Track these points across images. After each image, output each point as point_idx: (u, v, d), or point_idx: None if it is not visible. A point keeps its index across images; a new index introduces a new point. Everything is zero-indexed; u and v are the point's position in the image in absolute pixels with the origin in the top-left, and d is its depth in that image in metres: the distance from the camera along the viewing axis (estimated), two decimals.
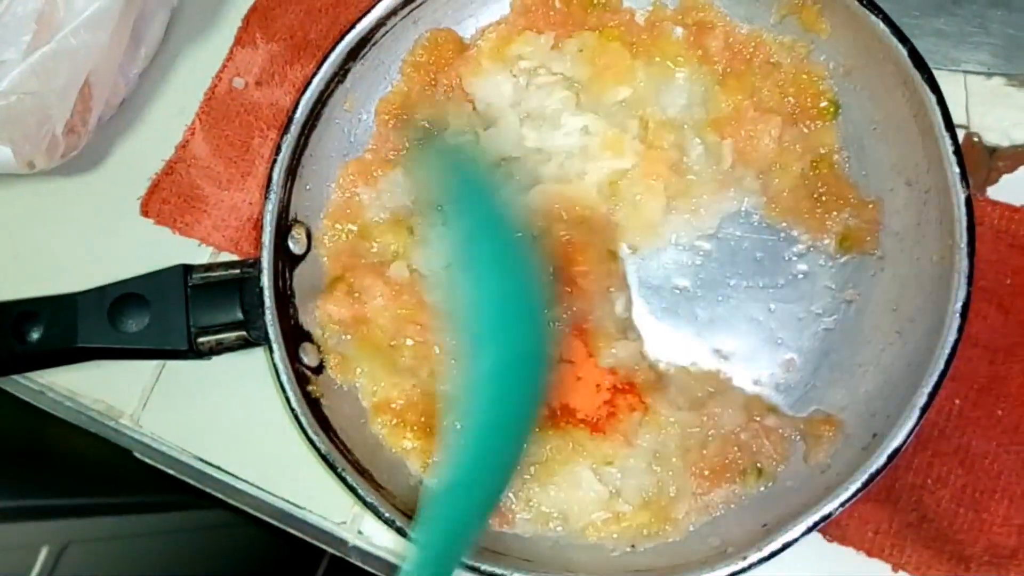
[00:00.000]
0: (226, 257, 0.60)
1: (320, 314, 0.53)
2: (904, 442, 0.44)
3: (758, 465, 0.48)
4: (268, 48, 0.63)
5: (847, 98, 0.53)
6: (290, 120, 0.52)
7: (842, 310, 0.53)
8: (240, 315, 0.51)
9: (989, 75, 0.58)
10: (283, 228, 0.53)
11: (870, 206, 0.52)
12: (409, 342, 0.51)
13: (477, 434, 0.39)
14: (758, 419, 0.49)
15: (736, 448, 0.49)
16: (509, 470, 0.41)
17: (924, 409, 0.45)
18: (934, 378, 0.45)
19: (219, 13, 0.65)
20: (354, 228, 0.55)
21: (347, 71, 0.54)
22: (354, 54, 0.54)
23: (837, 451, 0.48)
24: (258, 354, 0.55)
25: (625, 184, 0.53)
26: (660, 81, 0.54)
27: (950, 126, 0.47)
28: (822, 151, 0.53)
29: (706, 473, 0.49)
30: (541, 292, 0.43)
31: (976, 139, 0.56)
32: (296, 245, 0.54)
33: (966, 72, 0.58)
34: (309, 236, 0.55)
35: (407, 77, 0.56)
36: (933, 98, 0.47)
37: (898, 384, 0.47)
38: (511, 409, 0.40)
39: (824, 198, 0.53)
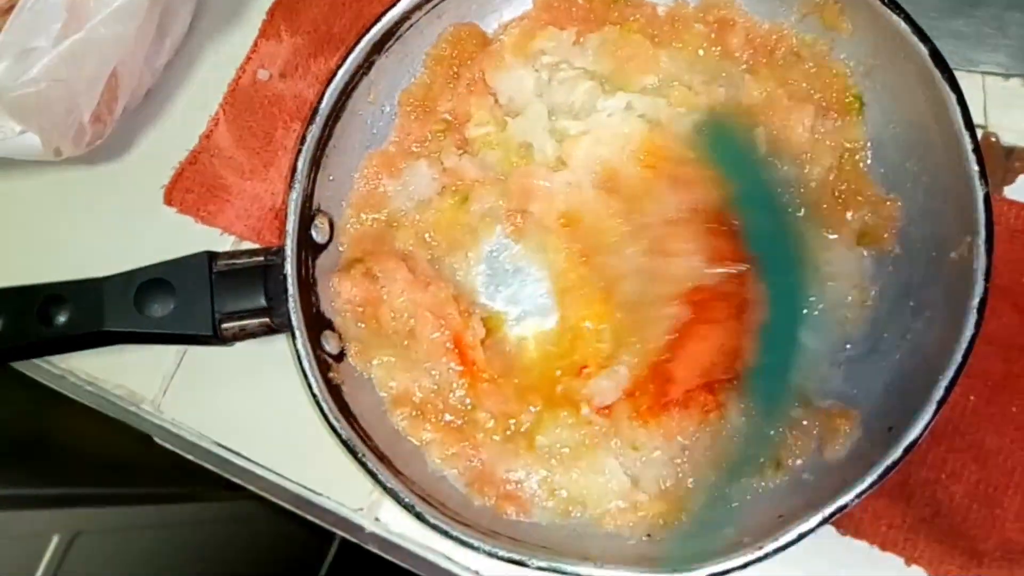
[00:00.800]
0: (248, 246, 0.60)
1: (333, 291, 0.54)
2: (920, 435, 0.45)
3: (777, 459, 0.48)
4: (292, 41, 0.64)
5: (867, 96, 0.54)
6: (315, 111, 0.52)
7: (859, 306, 0.53)
8: (264, 302, 0.51)
9: (1007, 76, 0.58)
10: (306, 217, 0.54)
11: (888, 204, 0.52)
12: (430, 334, 0.52)
13: None
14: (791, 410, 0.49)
15: (759, 443, 0.49)
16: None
17: (940, 403, 0.45)
18: (951, 372, 0.45)
19: (244, 5, 0.65)
20: (380, 217, 0.55)
21: (371, 64, 0.54)
22: (379, 47, 0.54)
23: (853, 444, 0.48)
24: (278, 341, 0.56)
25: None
26: (687, 62, 0.54)
27: (970, 125, 0.47)
28: (848, 146, 0.53)
29: (727, 468, 0.49)
30: None
31: (994, 139, 0.57)
32: (319, 234, 0.54)
33: (984, 73, 0.58)
34: (332, 226, 0.56)
35: (430, 70, 0.57)
36: (953, 97, 0.48)
37: (915, 378, 0.47)
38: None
39: (844, 195, 0.53)
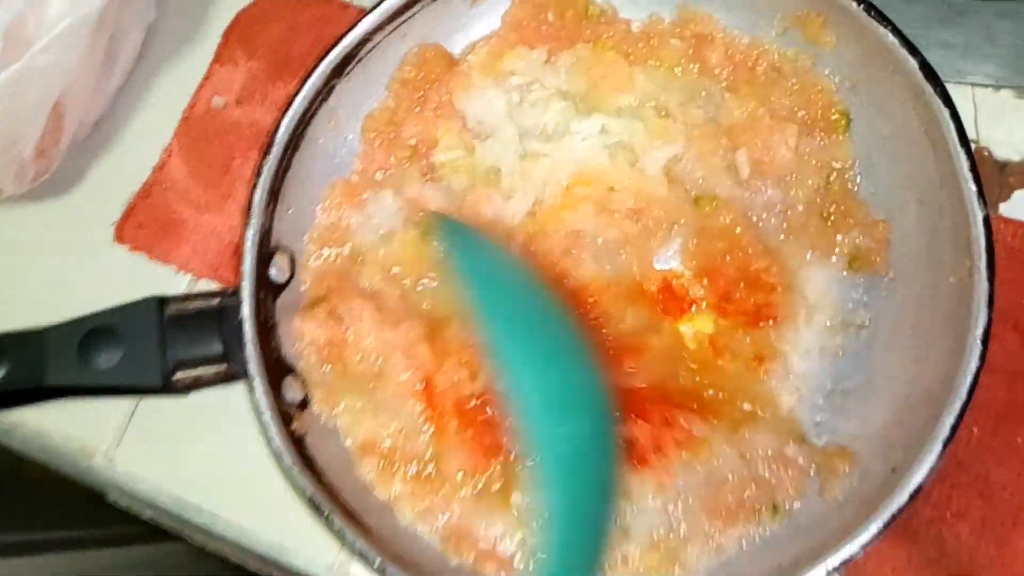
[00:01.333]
0: (205, 285, 0.57)
1: (295, 334, 0.50)
2: (926, 478, 0.42)
3: (774, 502, 0.46)
4: (249, 65, 0.61)
5: (854, 112, 0.51)
6: (271, 141, 0.49)
7: (853, 334, 0.50)
8: (219, 349, 0.47)
9: (997, 87, 0.56)
10: (265, 255, 0.50)
11: (880, 226, 0.50)
12: (399, 375, 0.48)
13: (564, 515, 0.38)
14: (784, 447, 0.47)
15: (754, 484, 0.46)
16: (601, 538, 0.41)
17: (946, 442, 0.42)
18: (956, 409, 0.42)
19: (198, 29, 0.62)
20: (343, 252, 0.52)
21: (332, 88, 0.51)
22: (339, 71, 0.51)
23: (854, 486, 0.46)
24: (240, 386, 0.52)
25: (681, 168, 0.51)
26: (663, 81, 0.52)
27: (965, 142, 0.45)
28: (836, 165, 0.50)
29: (722, 512, 0.46)
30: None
31: (987, 153, 0.54)
32: (279, 273, 0.50)
33: (973, 84, 0.56)
34: (292, 263, 0.53)
35: (394, 94, 0.53)
36: (946, 112, 0.45)
37: (917, 413, 0.45)
38: (591, 482, 0.40)
39: (833, 217, 0.50)
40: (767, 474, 0.47)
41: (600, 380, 0.42)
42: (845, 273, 0.51)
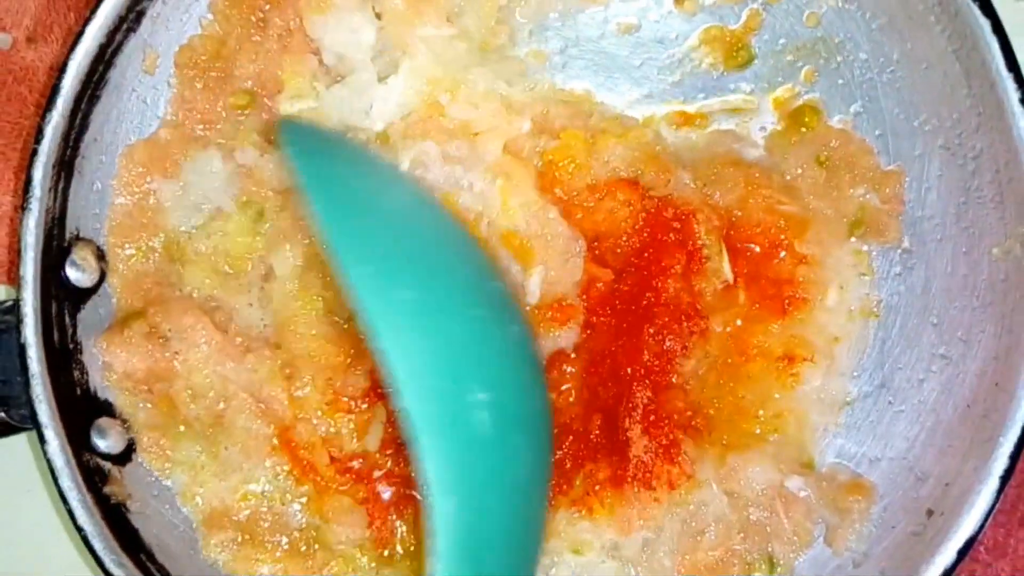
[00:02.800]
0: None
1: (101, 362, 0.39)
2: (981, 527, 0.33)
3: (770, 551, 0.37)
4: None
5: (845, 30, 0.41)
6: (55, 89, 0.38)
7: (858, 323, 0.40)
8: None
9: None
10: (57, 251, 0.39)
11: (891, 177, 0.40)
12: (243, 422, 0.35)
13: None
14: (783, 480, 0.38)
15: (741, 533, 0.37)
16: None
17: (1005, 477, 0.33)
18: (1015, 430, 0.33)
19: None
20: (155, 244, 0.39)
21: (141, 14, 0.40)
22: None
23: (874, 532, 0.36)
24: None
25: None
26: None
27: (1013, 64, 0.35)
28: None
29: (700, 570, 0.37)
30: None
31: None
32: (80, 273, 0.40)
33: None
34: (101, 258, 0.41)
35: (222, 15, 0.39)
36: (987, 24, 0.35)
37: (954, 434, 0.36)
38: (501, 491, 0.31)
39: (829, 166, 0.40)
40: (762, 516, 0.38)
41: (523, 343, 0.34)
42: (853, 241, 0.40)
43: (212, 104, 0.40)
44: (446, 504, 0.29)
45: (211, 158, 0.40)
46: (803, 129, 0.41)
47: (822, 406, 0.39)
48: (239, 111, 0.40)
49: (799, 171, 0.40)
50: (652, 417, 0.38)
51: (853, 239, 0.40)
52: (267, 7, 0.39)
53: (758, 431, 0.38)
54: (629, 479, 0.37)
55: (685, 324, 0.39)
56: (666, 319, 0.38)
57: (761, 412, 0.38)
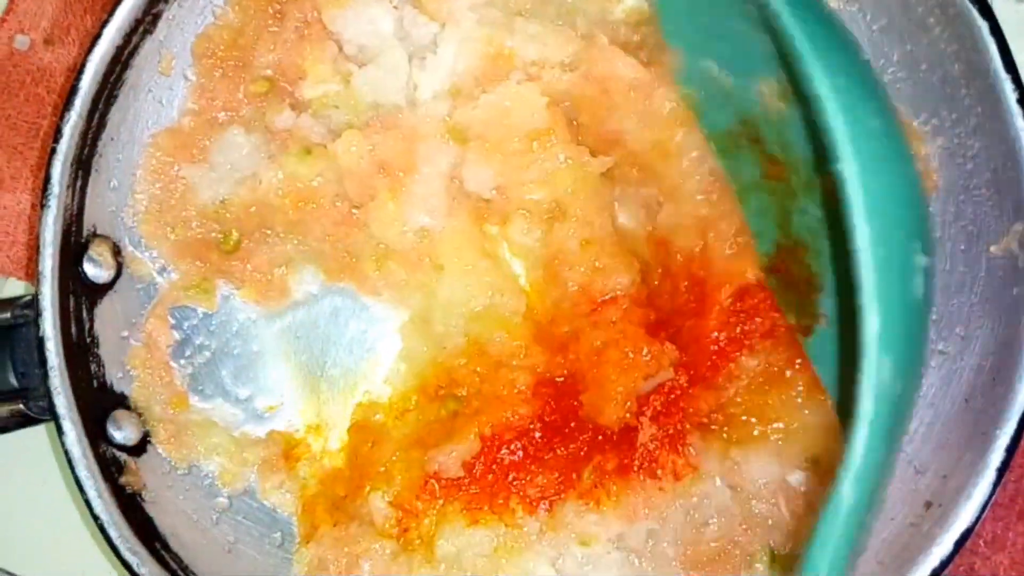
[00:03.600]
0: (12, 287, 0.48)
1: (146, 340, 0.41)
2: (976, 520, 0.33)
3: (771, 544, 0.37)
4: None
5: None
6: (73, 90, 0.39)
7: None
8: (13, 380, 0.39)
9: None
10: (75, 247, 0.39)
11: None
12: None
13: None
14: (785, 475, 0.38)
15: (743, 525, 0.37)
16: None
17: (1002, 469, 0.33)
18: (1012, 420, 0.33)
19: None
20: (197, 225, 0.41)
21: (157, 15, 0.41)
22: None
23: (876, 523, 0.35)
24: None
25: None
26: None
27: (1011, 65, 0.35)
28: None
29: (702, 560, 0.37)
30: None
31: None
32: (98, 269, 0.41)
33: None
34: (117, 254, 0.41)
35: (237, 6, 0.40)
36: (985, 26, 0.35)
37: (952, 427, 0.36)
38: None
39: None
40: (764, 509, 0.38)
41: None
42: None
43: (232, 92, 0.41)
44: (882, 368, 0.27)
45: (235, 134, 0.41)
46: None
47: None
48: (260, 98, 0.41)
49: None
50: (662, 406, 0.38)
51: None
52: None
53: (764, 431, 0.38)
54: (635, 468, 0.38)
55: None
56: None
57: (782, 424, 0.38)
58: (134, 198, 0.41)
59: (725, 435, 0.38)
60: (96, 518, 0.36)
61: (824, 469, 0.38)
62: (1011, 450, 0.32)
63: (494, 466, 0.38)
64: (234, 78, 0.41)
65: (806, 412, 0.37)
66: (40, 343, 0.37)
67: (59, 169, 0.38)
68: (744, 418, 0.38)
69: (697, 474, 0.38)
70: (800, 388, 0.38)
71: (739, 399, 0.38)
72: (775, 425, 0.38)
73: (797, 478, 0.38)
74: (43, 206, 0.38)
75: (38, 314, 0.37)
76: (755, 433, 0.38)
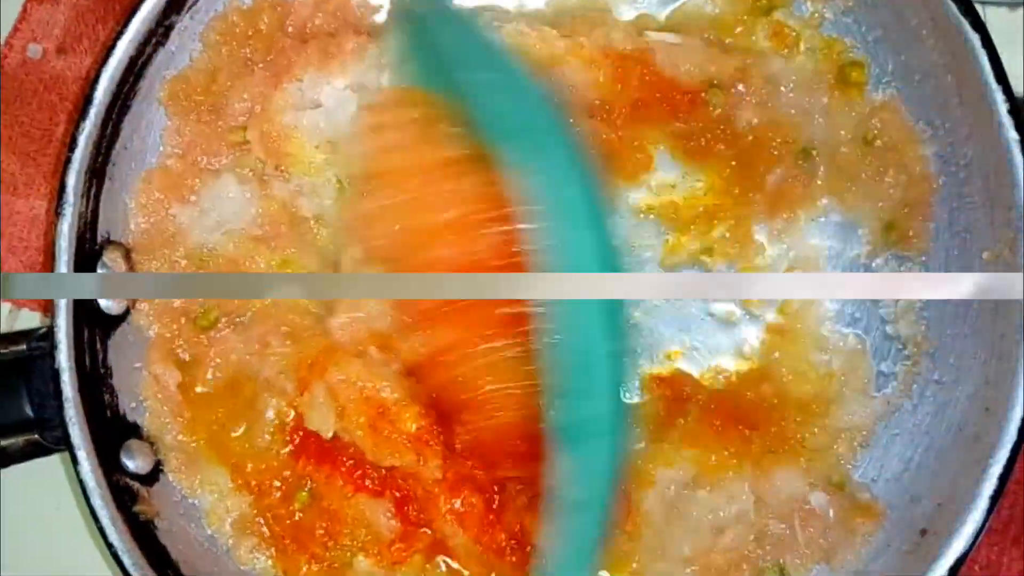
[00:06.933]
0: (26, 317, 0.48)
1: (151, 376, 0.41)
2: (969, 548, 0.34)
3: (781, 563, 0.38)
4: (73, 1, 0.50)
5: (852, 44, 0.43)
6: (88, 99, 0.40)
7: (847, 341, 0.41)
8: (29, 411, 0.39)
9: (1013, 6, 0.46)
10: (90, 254, 0.41)
11: (921, 175, 0.41)
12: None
13: None
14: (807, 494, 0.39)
15: (754, 539, 0.38)
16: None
17: (994, 498, 0.34)
18: (1004, 451, 0.34)
19: None
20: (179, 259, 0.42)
21: (170, 28, 0.42)
22: (178, 4, 0.42)
23: (872, 550, 0.38)
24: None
25: None
26: None
27: (1002, 76, 0.37)
28: None
29: (712, 571, 0.38)
30: None
31: None
32: (111, 301, 0.42)
33: (984, 2, 0.46)
34: (129, 260, 0.42)
35: (213, 49, 0.42)
36: (976, 38, 0.37)
37: (947, 455, 0.38)
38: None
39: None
40: (779, 528, 0.39)
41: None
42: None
43: (210, 139, 0.42)
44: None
45: (228, 183, 0.42)
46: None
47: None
48: (238, 147, 0.42)
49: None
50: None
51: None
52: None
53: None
54: None
55: None
56: None
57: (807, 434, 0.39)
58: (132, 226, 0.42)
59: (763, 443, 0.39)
60: (110, 546, 0.37)
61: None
62: (1004, 478, 0.34)
63: None
64: (210, 123, 0.42)
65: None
66: (55, 375, 0.38)
67: (74, 179, 0.39)
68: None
69: (732, 472, 0.39)
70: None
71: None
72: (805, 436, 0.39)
73: (819, 499, 0.39)
74: (58, 215, 0.39)
75: (53, 346, 0.38)
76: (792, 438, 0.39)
